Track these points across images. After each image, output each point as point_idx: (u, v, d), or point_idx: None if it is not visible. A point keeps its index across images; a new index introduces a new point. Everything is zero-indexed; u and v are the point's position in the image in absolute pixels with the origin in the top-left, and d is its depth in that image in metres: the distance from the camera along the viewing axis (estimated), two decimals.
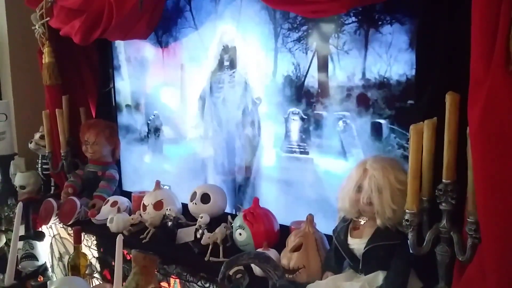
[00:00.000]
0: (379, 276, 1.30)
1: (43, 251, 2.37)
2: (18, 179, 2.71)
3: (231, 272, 1.44)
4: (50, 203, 2.32)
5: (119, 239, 1.42)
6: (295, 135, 1.75)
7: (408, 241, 1.23)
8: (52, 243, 2.56)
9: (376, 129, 1.51)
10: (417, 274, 1.34)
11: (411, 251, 1.27)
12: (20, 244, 2.30)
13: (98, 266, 2.30)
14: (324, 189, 1.69)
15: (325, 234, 1.54)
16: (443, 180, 1.18)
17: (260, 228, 1.68)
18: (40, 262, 2.27)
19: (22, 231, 2.44)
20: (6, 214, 2.49)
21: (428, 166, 1.22)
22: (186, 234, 1.91)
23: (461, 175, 1.17)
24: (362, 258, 1.33)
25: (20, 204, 1.80)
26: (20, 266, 2.21)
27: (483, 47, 1.03)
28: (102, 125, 2.43)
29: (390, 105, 1.47)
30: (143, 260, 1.75)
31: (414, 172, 1.21)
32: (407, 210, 1.22)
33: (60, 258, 2.51)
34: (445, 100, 1.15)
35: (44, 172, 2.73)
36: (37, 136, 2.69)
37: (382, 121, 1.50)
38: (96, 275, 2.23)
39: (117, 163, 2.55)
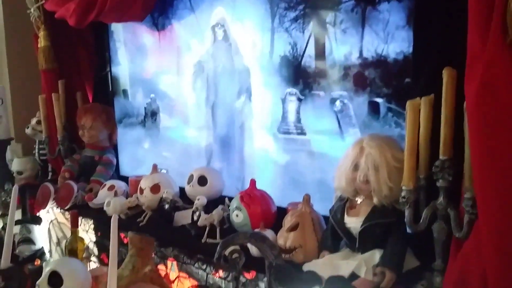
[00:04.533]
0: (376, 255, 1.30)
1: (41, 235, 2.37)
2: (15, 165, 2.70)
3: (227, 252, 1.44)
4: (47, 188, 2.31)
5: (114, 218, 1.41)
6: (292, 116, 1.74)
7: (405, 218, 1.22)
8: (49, 228, 2.55)
9: (374, 108, 1.50)
10: (414, 252, 1.33)
11: (407, 229, 1.26)
12: (17, 228, 2.30)
13: (95, 250, 2.30)
14: (322, 170, 1.68)
15: (322, 215, 1.53)
16: (440, 157, 1.17)
17: (257, 210, 1.68)
18: (37, 246, 2.27)
19: (19, 216, 2.45)
20: (3, 199, 2.48)
21: (425, 143, 1.21)
22: (183, 217, 1.90)
23: (458, 152, 1.16)
24: (358, 237, 1.33)
25: (15, 187, 1.79)
26: (17, 250, 2.21)
27: (480, 20, 1.01)
28: (98, 109, 2.41)
29: (387, 84, 1.46)
30: (139, 242, 1.74)
31: (411, 149, 1.20)
32: (403, 187, 1.21)
33: (58, 243, 2.51)
34: (442, 77, 1.14)
35: (41, 158, 2.72)
36: (33, 121, 2.68)
37: (379, 100, 1.49)
38: (94, 258, 2.23)
39: (114, 148, 2.54)
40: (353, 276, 1.29)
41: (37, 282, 1.50)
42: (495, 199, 1.01)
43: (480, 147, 1.03)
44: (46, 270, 1.51)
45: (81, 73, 2.60)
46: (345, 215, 1.36)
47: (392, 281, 1.24)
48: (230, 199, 1.82)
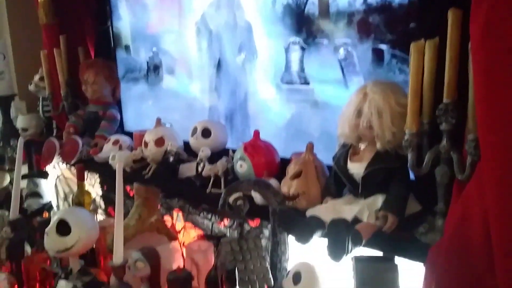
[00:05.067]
0: (378, 200, 1.31)
1: (48, 190, 2.40)
2: (20, 122, 2.71)
3: (231, 199, 1.46)
4: (52, 143, 2.33)
5: (119, 165, 1.42)
6: (295, 65, 1.72)
7: (408, 162, 1.23)
8: (56, 183, 2.59)
9: (378, 55, 1.48)
10: (416, 197, 1.35)
11: (410, 173, 1.27)
12: (25, 183, 2.34)
13: (102, 204, 2.34)
14: (325, 120, 1.68)
15: (326, 165, 1.54)
16: (444, 100, 1.16)
17: (261, 160, 1.68)
18: (45, 200, 2.31)
19: (25, 171, 2.48)
20: (10, 155, 2.51)
21: (429, 87, 1.20)
22: (187, 169, 1.92)
23: (461, 96, 1.16)
24: (361, 182, 1.34)
25: (21, 140, 1.80)
26: (25, 204, 2.26)
27: None
28: (101, 64, 2.41)
29: (392, 30, 1.44)
30: (145, 193, 1.78)
31: (414, 92, 1.19)
32: (406, 130, 1.21)
33: (65, 198, 2.55)
34: (447, 20, 1.12)
35: (45, 114, 2.73)
36: (36, 77, 2.67)
37: (383, 46, 1.47)
38: (101, 211, 2.27)
39: (118, 104, 2.54)
40: (356, 220, 1.30)
41: (46, 230, 1.53)
42: (498, 138, 1.01)
43: (484, 87, 1.02)
44: (54, 219, 1.54)
45: (83, 28, 2.57)
46: (348, 161, 1.37)
47: (394, 224, 1.26)
48: (234, 151, 1.83)
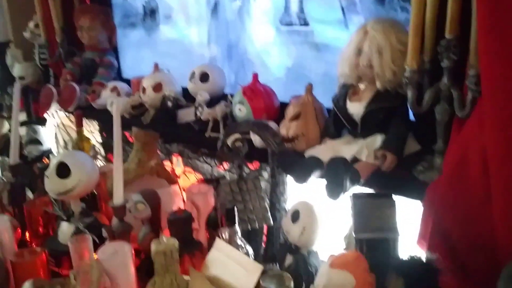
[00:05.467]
0: (378, 139, 1.31)
1: (47, 136, 2.40)
2: (17, 70, 2.67)
3: (230, 141, 1.46)
4: (49, 89, 2.31)
5: (116, 107, 1.42)
6: (294, 5, 1.68)
7: (408, 101, 1.22)
8: (56, 132, 2.59)
9: None
10: (415, 138, 1.34)
11: (410, 112, 1.26)
12: (23, 130, 2.34)
13: (102, 151, 2.35)
14: (325, 62, 1.66)
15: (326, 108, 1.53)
16: (446, 36, 1.14)
17: (260, 103, 1.67)
18: (45, 147, 2.31)
19: (24, 119, 2.47)
20: (7, 102, 2.50)
21: (431, 24, 1.17)
22: (186, 114, 1.91)
23: (463, 33, 1.13)
24: (360, 122, 1.33)
25: (17, 85, 1.78)
26: (25, 151, 2.26)
27: None
28: (96, 9, 2.35)
29: None
30: (144, 137, 1.77)
31: (416, 28, 1.17)
32: (407, 67, 1.19)
33: (65, 146, 2.55)
34: None
35: (41, 62, 2.69)
36: (31, 24, 2.61)
37: None
38: (100, 158, 2.28)
39: (115, 51, 2.50)
40: (355, 160, 1.31)
41: (46, 172, 1.54)
42: (499, 74, 1.00)
43: (487, 21, 1.00)
44: (54, 162, 1.54)
45: None
46: (348, 102, 1.36)
47: (393, 163, 1.26)
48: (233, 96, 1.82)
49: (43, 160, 2.08)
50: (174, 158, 1.95)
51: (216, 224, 1.50)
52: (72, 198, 1.57)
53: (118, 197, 1.45)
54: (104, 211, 1.84)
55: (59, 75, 2.52)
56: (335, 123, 1.43)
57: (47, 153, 2.17)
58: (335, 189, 1.23)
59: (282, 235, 1.50)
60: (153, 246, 1.25)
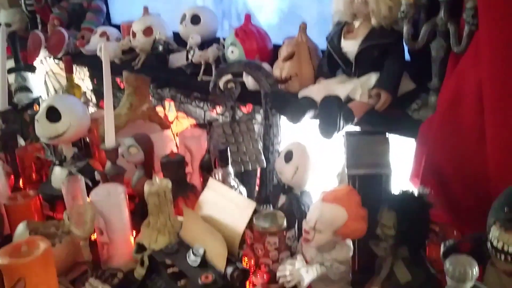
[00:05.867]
0: (372, 78, 1.28)
1: (37, 84, 2.36)
2: (3, 17, 2.60)
3: (222, 82, 1.43)
4: (37, 35, 2.25)
5: (105, 46, 1.38)
6: None
7: (403, 35, 1.19)
8: (45, 79, 2.54)
9: None
10: (410, 76, 1.32)
11: (405, 47, 1.23)
12: (12, 77, 2.29)
13: (93, 98, 2.32)
14: (319, 2, 1.61)
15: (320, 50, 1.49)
16: None
17: (252, 45, 1.63)
18: (35, 95, 2.28)
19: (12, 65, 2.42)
20: None
21: None
22: (177, 59, 1.87)
23: None
24: (355, 60, 1.30)
25: (2, 29, 1.73)
26: (15, 99, 2.23)
27: None
28: None
29: None
30: (135, 81, 1.74)
31: None
32: (403, 1, 1.15)
33: (55, 93, 2.51)
34: None
35: (28, 9, 2.61)
36: None
37: None
38: (92, 105, 2.25)
39: None
40: (349, 100, 1.29)
41: (36, 117, 1.51)
42: (496, 3, 0.97)
43: None
44: (44, 106, 1.52)
45: None
46: (342, 40, 1.32)
47: (387, 102, 1.25)
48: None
49: (34, 107, 2.05)
50: (166, 103, 1.93)
51: (209, 167, 1.50)
52: (64, 142, 1.56)
53: (110, 140, 1.43)
54: (98, 158, 1.84)
55: (46, 21, 2.45)
56: (329, 62, 1.39)
57: (38, 100, 2.13)
58: (328, 128, 1.22)
59: (275, 176, 1.50)
60: (146, 187, 1.25)
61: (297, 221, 1.24)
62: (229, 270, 1.06)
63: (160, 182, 1.25)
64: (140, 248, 1.29)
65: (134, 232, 1.37)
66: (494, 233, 0.85)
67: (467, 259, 0.78)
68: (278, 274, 0.96)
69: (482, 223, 0.93)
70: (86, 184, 1.39)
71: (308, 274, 0.95)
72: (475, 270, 0.77)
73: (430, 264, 1.02)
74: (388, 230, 0.98)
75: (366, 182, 1.06)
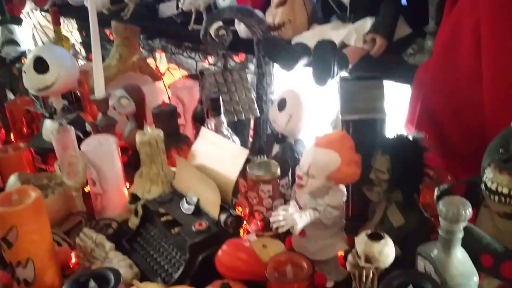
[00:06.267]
0: (367, 23, 1.25)
1: (25, 37, 2.30)
2: None
3: (213, 29, 1.39)
4: None
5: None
6: None
7: None
8: (33, 33, 2.48)
9: None
10: (406, 21, 1.28)
11: None
12: None
13: (82, 51, 2.27)
14: None
15: None
16: None
17: None
18: (23, 48, 2.22)
19: None
20: None
21: None
22: (168, 8, 1.82)
23: None
24: (350, 4, 1.26)
25: None
26: (2, 53, 2.17)
27: None
28: None
29: None
30: (124, 31, 1.69)
31: None
32: None
33: None
34: None
35: None
36: None
37: None
38: (81, 57, 2.20)
39: None
40: (343, 46, 1.26)
41: (23, 68, 1.48)
42: None
43: None
44: (31, 57, 1.48)
45: None
46: None
47: (382, 47, 1.22)
48: None
49: (22, 60, 2.00)
50: (157, 55, 1.89)
51: (202, 118, 1.48)
52: (53, 94, 1.53)
53: (99, 90, 1.40)
54: (89, 112, 1.81)
55: None
56: (324, 8, 1.35)
57: (25, 54, 2.08)
58: (322, 75, 1.20)
59: (269, 126, 1.48)
60: (138, 137, 1.23)
61: (291, 169, 1.23)
62: (223, 217, 1.05)
63: (151, 132, 1.23)
64: (134, 198, 1.28)
65: (127, 184, 1.36)
66: (489, 175, 0.84)
67: (461, 200, 0.77)
68: (271, 219, 0.96)
69: (477, 168, 0.93)
70: (78, 136, 1.37)
71: (302, 219, 0.95)
72: (469, 211, 0.76)
73: (424, 209, 1.02)
74: (382, 174, 0.97)
75: (360, 127, 1.04)
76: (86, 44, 2.24)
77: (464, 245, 0.80)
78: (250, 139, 1.55)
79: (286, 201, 1.17)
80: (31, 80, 1.47)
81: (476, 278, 0.79)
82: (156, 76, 1.76)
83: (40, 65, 1.47)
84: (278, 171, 1.17)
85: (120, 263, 1.05)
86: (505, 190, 0.82)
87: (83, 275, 0.81)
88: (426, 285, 0.76)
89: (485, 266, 0.84)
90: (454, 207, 0.76)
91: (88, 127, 1.44)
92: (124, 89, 1.49)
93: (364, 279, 0.81)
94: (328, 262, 1.03)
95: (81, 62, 2.15)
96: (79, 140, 1.35)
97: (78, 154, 1.22)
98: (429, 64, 1.14)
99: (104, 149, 1.27)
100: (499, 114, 1.00)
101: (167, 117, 1.42)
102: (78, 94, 1.86)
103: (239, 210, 1.26)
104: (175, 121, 1.45)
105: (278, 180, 1.17)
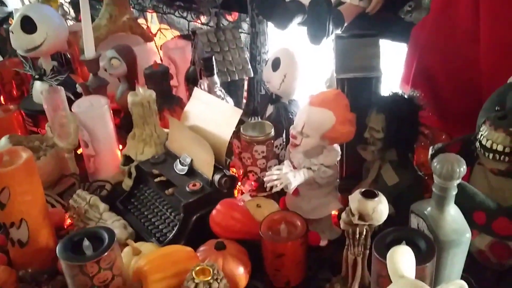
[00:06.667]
0: None
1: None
2: None
3: None
4: None
5: None
6: None
7: None
8: None
9: None
10: None
11: None
12: None
13: (71, 11, 2.21)
14: None
15: None
16: None
17: None
18: (10, 9, 2.16)
19: None
20: None
21: None
22: None
23: None
24: None
25: None
26: None
27: None
28: None
29: None
30: None
31: None
32: None
33: None
34: None
35: None
36: None
37: None
38: (70, 18, 2.15)
39: None
40: (339, 3, 1.23)
41: (10, 28, 1.44)
42: None
43: None
44: (18, 16, 1.44)
45: None
46: None
47: (378, 4, 1.20)
48: None
49: (9, 21, 1.95)
50: (148, 15, 1.84)
51: (195, 79, 1.46)
52: (42, 55, 1.49)
53: (89, 50, 1.37)
54: (80, 73, 1.78)
55: None
56: None
57: (13, 14, 2.02)
58: (317, 33, 1.17)
59: (263, 87, 1.47)
60: (129, 98, 1.22)
61: (285, 130, 1.22)
62: (217, 177, 1.05)
63: (143, 92, 1.22)
64: (127, 160, 1.27)
65: (120, 146, 1.35)
66: (484, 132, 0.84)
67: (455, 157, 0.77)
68: (265, 179, 0.96)
69: (472, 127, 0.92)
70: (68, 98, 1.35)
71: (295, 179, 0.95)
72: (463, 169, 0.76)
73: (418, 168, 1.02)
74: (376, 133, 0.96)
75: (355, 86, 1.03)
76: (75, 4, 2.17)
77: (458, 202, 0.80)
78: (244, 100, 1.53)
79: (280, 162, 1.16)
80: (19, 41, 1.44)
81: (468, 235, 0.79)
82: (147, 36, 1.72)
83: (28, 25, 1.43)
84: (272, 132, 1.16)
85: (114, 223, 1.05)
86: (500, 148, 0.81)
87: (77, 234, 0.81)
88: (419, 241, 0.77)
89: (478, 223, 0.84)
90: (448, 164, 0.75)
91: (79, 88, 1.42)
92: (115, 50, 1.46)
93: (357, 236, 0.81)
94: (322, 221, 1.04)
95: (70, 23, 2.10)
96: (70, 102, 1.33)
97: (69, 115, 1.20)
98: (426, 22, 1.12)
99: (95, 110, 1.25)
100: (495, 72, 0.99)
101: (159, 78, 1.39)
102: (69, 56, 1.83)
103: (233, 171, 1.26)
104: (167, 82, 1.43)
105: (272, 141, 1.17)
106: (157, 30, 1.84)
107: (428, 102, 1.00)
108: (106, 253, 0.76)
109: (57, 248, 0.77)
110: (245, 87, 1.52)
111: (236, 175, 1.22)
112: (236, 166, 1.27)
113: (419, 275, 0.70)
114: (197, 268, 0.79)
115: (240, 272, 0.90)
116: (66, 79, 1.50)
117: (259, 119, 1.38)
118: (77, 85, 1.43)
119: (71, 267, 0.76)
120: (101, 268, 0.76)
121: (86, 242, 0.78)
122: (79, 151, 1.35)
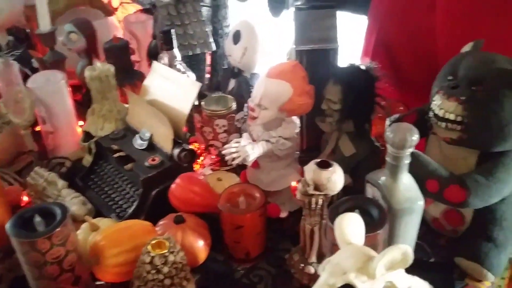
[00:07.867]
0: None
1: None
2: None
3: None
4: None
5: None
6: None
7: None
8: None
9: None
10: None
11: None
12: None
13: None
14: None
15: None
16: None
17: None
18: None
19: None
20: None
21: None
22: None
23: None
24: None
25: None
26: None
27: None
28: None
29: None
30: None
31: None
32: None
33: None
34: None
35: None
36: None
37: None
38: None
39: None
40: None
41: None
42: None
43: None
44: None
45: None
46: None
47: None
48: None
49: None
50: None
51: (157, 54, 1.42)
52: None
53: (44, 23, 1.33)
54: (40, 49, 1.72)
55: None
56: None
57: None
58: (276, 4, 1.16)
59: (225, 61, 1.45)
60: (87, 72, 1.19)
61: (246, 103, 1.21)
62: (176, 151, 1.04)
63: (101, 66, 1.19)
64: (88, 136, 1.25)
65: (82, 123, 1.32)
66: (437, 101, 0.85)
67: (408, 126, 0.77)
68: (224, 152, 0.95)
69: (429, 99, 0.93)
70: (25, 73, 1.31)
71: (254, 151, 0.94)
72: (415, 137, 0.76)
73: (376, 139, 1.03)
74: (333, 104, 0.96)
75: (313, 57, 1.02)
76: None
77: (412, 171, 0.81)
78: (208, 75, 1.52)
79: (241, 136, 1.16)
80: None
81: (421, 202, 0.81)
82: (108, 10, 1.68)
83: None
84: (234, 106, 1.16)
85: (73, 200, 1.04)
86: (452, 116, 0.82)
87: (28, 211, 0.79)
88: (372, 210, 0.78)
89: (431, 191, 0.86)
90: (401, 133, 0.76)
91: (36, 63, 1.38)
92: (73, 24, 1.41)
93: (313, 206, 0.82)
94: (282, 193, 1.04)
95: None
96: (28, 78, 1.29)
97: (23, 90, 1.17)
98: None
99: (52, 86, 1.22)
100: (450, 41, 1.00)
101: (119, 52, 1.37)
102: (28, 31, 1.77)
103: (195, 146, 1.25)
104: (128, 56, 1.40)
105: (233, 115, 1.16)
106: (119, 4, 1.79)
107: (388, 73, 1.00)
108: (58, 229, 0.75)
109: (6, 225, 0.75)
110: (208, 61, 1.50)
111: (197, 149, 1.22)
112: (198, 140, 1.26)
113: (371, 243, 0.72)
114: (153, 241, 0.78)
115: (200, 245, 0.90)
116: (23, 54, 1.46)
117: (221, 93, 1.37)
118: (33, 60, 1.39)
119: (21, 244, 0.74)
120: (54, 244, 0.75)
121: (37, 218, 0.77)
122: (38, 128, 1.31)
